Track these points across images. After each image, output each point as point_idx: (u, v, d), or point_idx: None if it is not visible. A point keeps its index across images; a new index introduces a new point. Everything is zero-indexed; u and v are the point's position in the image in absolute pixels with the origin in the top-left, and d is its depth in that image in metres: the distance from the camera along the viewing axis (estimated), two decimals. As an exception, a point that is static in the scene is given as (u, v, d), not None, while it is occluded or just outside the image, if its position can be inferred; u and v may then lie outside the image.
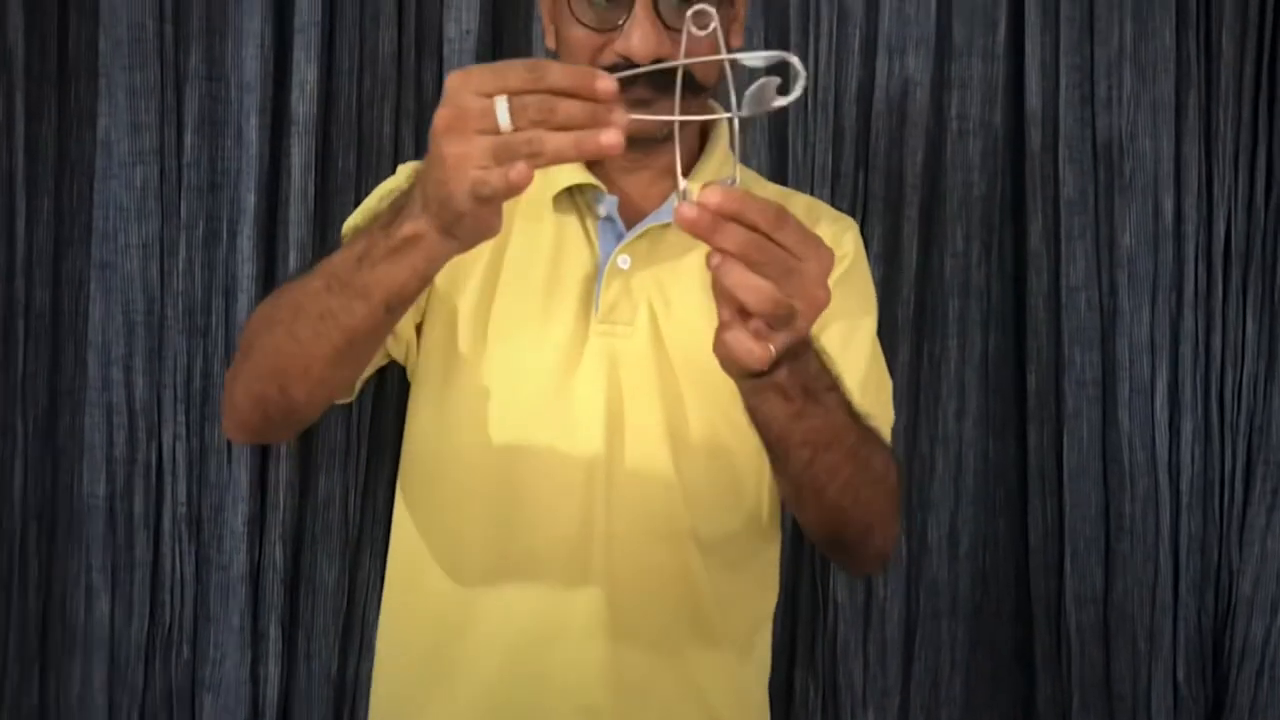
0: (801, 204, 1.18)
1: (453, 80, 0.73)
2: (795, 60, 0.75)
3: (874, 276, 1.20)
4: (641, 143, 1.04)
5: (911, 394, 1.46)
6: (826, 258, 0.77)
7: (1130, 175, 1.43)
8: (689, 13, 0.80)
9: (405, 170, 1.13)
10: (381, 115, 1.37)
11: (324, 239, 1.34)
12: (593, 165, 1.10)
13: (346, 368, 0.95)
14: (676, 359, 1.06)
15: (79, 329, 1.35)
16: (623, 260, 1.06)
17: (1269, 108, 1.42)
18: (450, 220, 0.77)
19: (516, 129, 0.71)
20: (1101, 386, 1.44)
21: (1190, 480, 1.43)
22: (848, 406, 0.92)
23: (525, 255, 1.08)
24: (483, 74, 0.72)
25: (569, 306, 1.06)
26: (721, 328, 0.79)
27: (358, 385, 1.08)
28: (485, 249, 1.07)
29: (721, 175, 1.12)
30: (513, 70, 0.71)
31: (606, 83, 0.70)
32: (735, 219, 0.73)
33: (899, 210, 1.44)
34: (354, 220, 1.11)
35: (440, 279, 1.06)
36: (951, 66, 1.45)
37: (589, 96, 0.71)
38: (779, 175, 1.44)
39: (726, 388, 1.05)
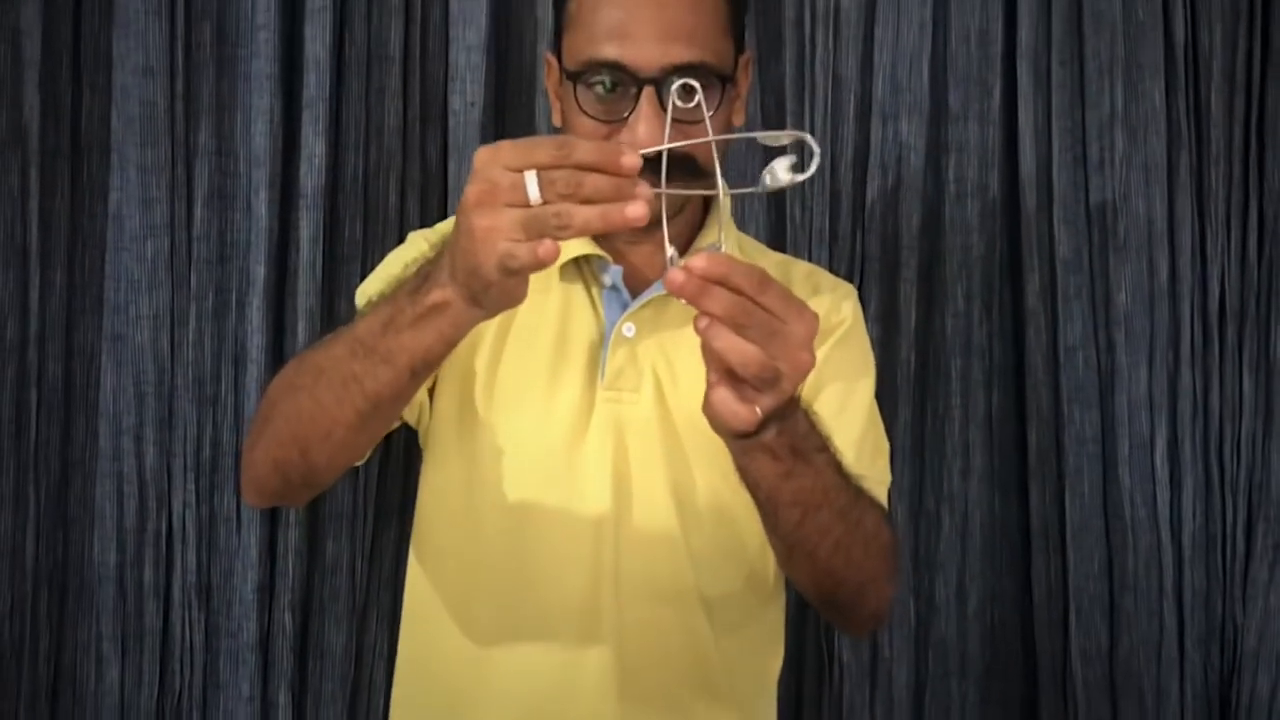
0: (802, 271, 1.20)
1: (482, 155, 0.76)
2: (810, 139, 0.79)
3: (872, 337, 1.21)
4: (644, 230, 1.05)
5: (916, 453, 1.47)
6: (810, 321, 0.78)
7: (1124, 235, 1.45)
8: (673, 87, 0.84)
9: (415, 238, 1.16)
10: (387, 186, 1.40)
11: (332, 309, 1.36)
12: (599, 237, 1.12)
13: (369, 432, 0.97)
14: (681, 426, 1.08)
15: (90, 399, 1.37)
16: (628, 329, 1.08)
17: (1259, 166, 1.45)
18: (478, 289, 0.79)
19: (545, 203, 0.74)
20: (1101, 443, 1.46)
21: (1192, 536, 1.43)
22: (838, 467, 0.94)
23: (533, 323, 1.10)
24: (512, 149, 0.75)
25: (576, 374, 1.08)
26: (710, 389, 0.81)
27: (370, 451, 1.09)
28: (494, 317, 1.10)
29: (725, 241, 1.14)
30: (540, 146, 0.74)
31: (631, 158, 0.73)
32: (721, 283, 0.75)
33: (896, 272, 1.46)
34: (370, 287, 1.12)
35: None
36: (948, 131, 1.48)
37: (614, 172, 0.73)
38: (778, 238, 1.46)
39: (727, 454, 1.07)
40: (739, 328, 0.76)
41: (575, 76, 1.03)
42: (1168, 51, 1.45)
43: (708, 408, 0.82)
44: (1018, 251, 1.48)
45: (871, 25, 1.47)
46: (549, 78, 1.14)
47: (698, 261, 0.75)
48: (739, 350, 0.77)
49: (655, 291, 1.09)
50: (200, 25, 1.37)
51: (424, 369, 0.88)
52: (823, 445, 0.92)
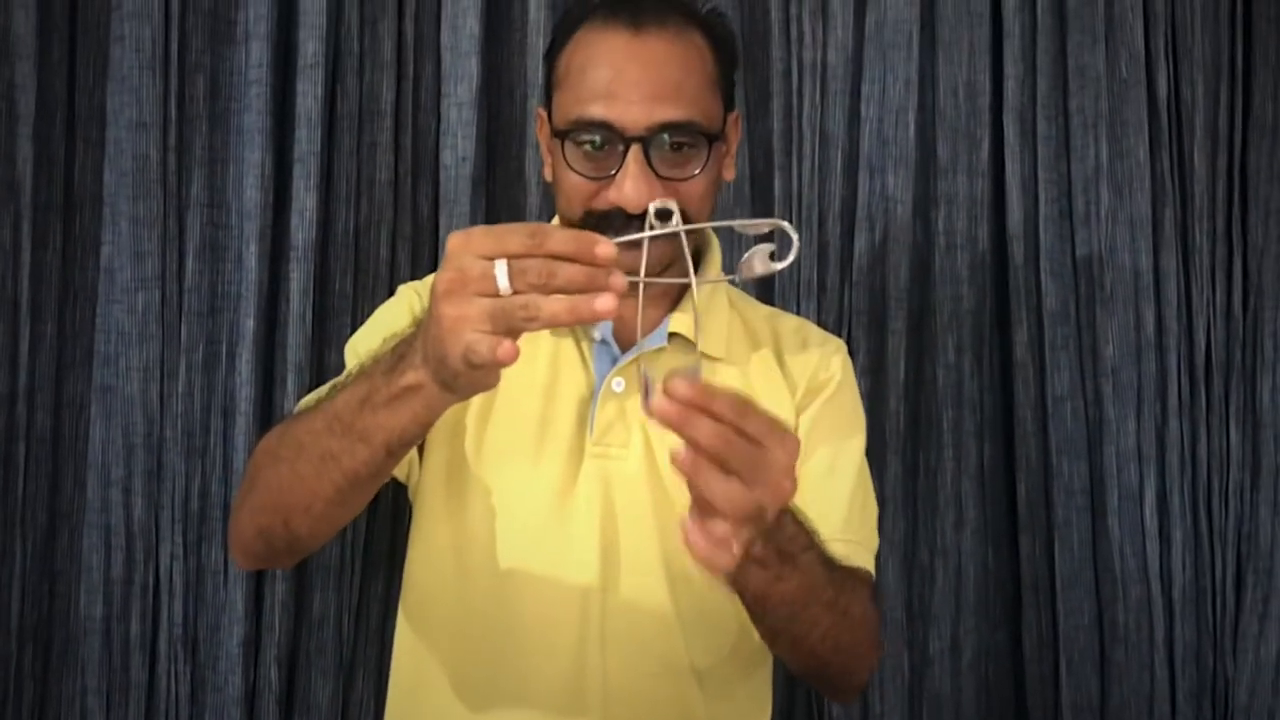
0: (791, 324, 1.21)
1: (454, 242, 0.74)
2: (789, 227, 0.78)
3: (861, 390, 1.22)
4: (634, 283, 1.06)
5: (908, 505, 1.47)
6: (792, 446, 0.76)
7: (1111, 288, 1.46)
8: (651, 208, 0.84)
9: (405, 291, 1.16)
10: (378, 239, 1.41)
11: (322, 361, 1.37)
12: None
13: (348, 505, 0.96)
14: (670, 481, 1.07)
15: (79, 451, 1.37)
16: (617, 383, 1.08)
17: (1242, 221, 1.46)
18: (447, 377, 0.78)
19: (515, 292, 0.72)
20: (1090, 495, 1.46)
21: (1182, 588, 1.43)
22: (826, 560, 0.94)
23: (523, 377, 1.10)
24: (484, 236, 0.73)
25: (565, 428, 1.08)
26: (689, 532, 0.77)
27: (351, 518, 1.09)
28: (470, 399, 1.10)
29: (716, 297, 1.15)
30: (513, 234, 0.73)
31: (606, 248, 0.72)
32: (703, 410, 0.72)
33: (884, 324, 1.47)
34: (359, 342, 1.12)
35: None
36: (936, 184, 1.49)
37: (588, 261, 0.72)
38: (766, 290, 1.47)
39: None
40: (722, 459, 0.73)
41: (564, 135, 1.04)
42: (1151, 107, 1.47)
43: (689, 545, 0.78)
44: (1006, 303, 1.49)
45: (858, 80, 1.49)
46: (540, 131, 1.15)
47: (678, 389, 0.72)
48: (723, 493, 0.74)
49: (645, 346, 1.09)
50: (193, 79, 1.37)
51: (400, 448, 0.87)
52: (809, 543, 0.91)
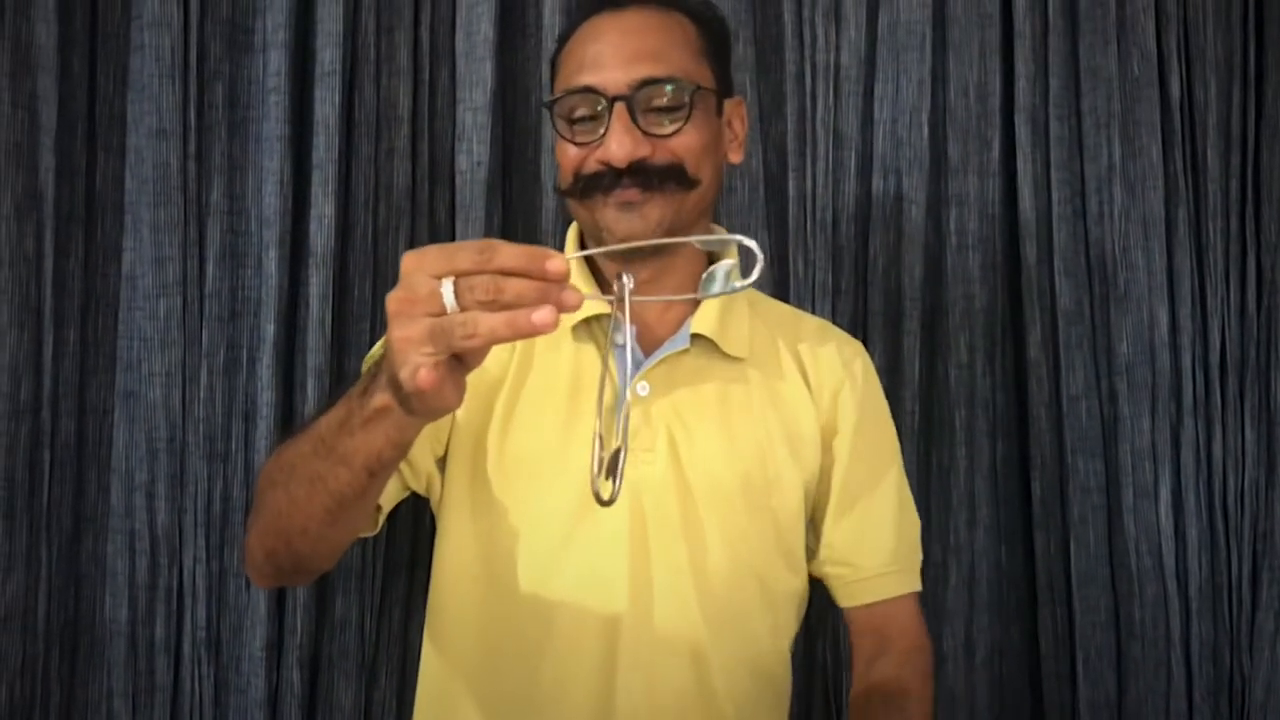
0: (813, 325, 1.22)
1: (406, 262, 0.73)
2: (753, 244, 0.76)
3: (876, 390, 1.23)
4: (638, 251, 1.08)
5: (922, 504, 1.45)
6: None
7: (1125, 287, 1.47)
8: (626, 282, 0.81)
9: None
10: (396, 244, 1.42)
11: (341, 366, 1.38)
12: (607, 291, 1.14)
13: (342, 527, 0.96)
14: (696, 484, 1.09)
15: (103, 457, 1.38)
16: (642, 387, 1.09)
17: (1255, 220, 1.46)
18: (404, 398, 0.77)
19: (465, 309, 0.71)
20: (1106, 493, 1.46)
21: (1199, 586, 1.44)
22: None
23: (545, 385, 1.11)
24: (435, 255, 0.72)
25: (589, 436, 1.08)
26: None
27: (381, 518, 1.10)
28: (505, 380, 1.11)
29: (734, 295, 1.15)
30: (463, 251, 0.71)
31: (557, 263, 0.70)
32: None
33: (899, 325, 1.48)
34: (375, 356, 1.14)
35: (461, 412, 1.09)
36: (949, 184, 1.50)
37: (539, 276, 0.70)
38: (781, 293, 1.48)
39: (745, 511, 1.08)
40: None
41: (552, 105, 1.08)
42: (1164, 107, 1.47)
43: None
44: (1019, 303, 1.50)
45: (871, 81, 1.50)
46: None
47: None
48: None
49: (669, 349, 1.10)
50: (213, 88, 1.39)
51: (379, 469, 0.87)
52: None
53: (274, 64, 1.37)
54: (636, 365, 1.10)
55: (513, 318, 0.69)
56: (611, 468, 0.80)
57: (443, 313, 0.71)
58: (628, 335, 0.86)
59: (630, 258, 1.10)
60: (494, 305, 0.70)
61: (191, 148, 1.37)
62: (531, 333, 0.69)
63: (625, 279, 0.80)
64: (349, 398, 0.85)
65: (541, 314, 0.69)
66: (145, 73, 1.36)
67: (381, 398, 0.80)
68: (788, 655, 1.17)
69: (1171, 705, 1.43)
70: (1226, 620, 1.44)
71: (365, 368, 1.14)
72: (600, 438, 0.82)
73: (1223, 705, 1.44)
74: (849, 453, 1.15)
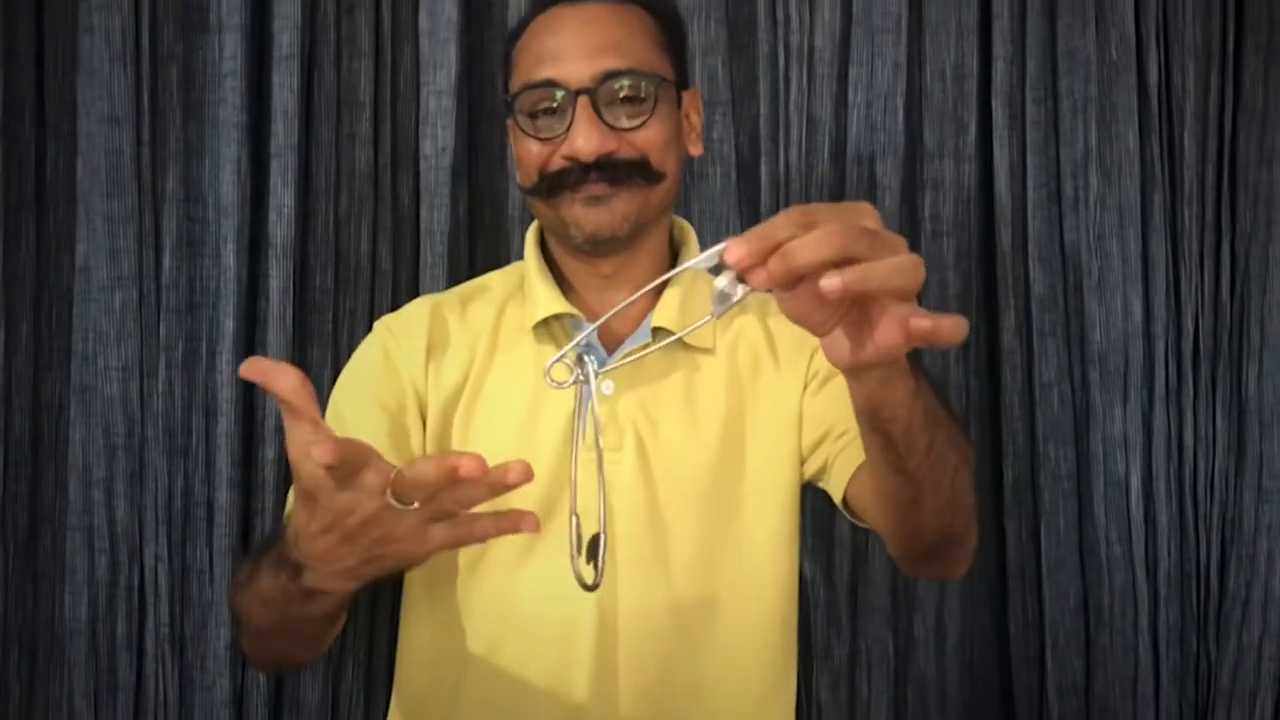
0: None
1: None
2: (734, 240, 0.69)
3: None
4: (603, 243, 1.07)
5: (892, 491, 1.47)
6: (869, 210, 0.68)
7: (1099, 274, 1.45)
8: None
9: (380, 329, 1.14)
10: (359, 232, 1.39)
11: (303, 358, 1.35)
12: (568, 292, 1.12)
13: (325, 640, 0.99)
14: (663, 481, 1.07)
15: (59, 453, 1.35)
16: (606, 386, 1.07)
17: (1230, 207, 1.45)
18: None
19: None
20: (1076, 481, 1.46)
21: (1167, 573, 1.44)
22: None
23: (506, 387, 1.09)
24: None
25: (553, 436, 1.07)
26: (888, 328, 0.67)
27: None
28: (466, 382, 1.09)
29: (696, 287, 1.13)
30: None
31: (520, 473, 0.71)
32: (776, 244, 0.64)
33: (872, 312, 1.46)
34: (339, 403, 1.11)
35: (432, 419, 1.09)
36: (923, 169, 1.48)
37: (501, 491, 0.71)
38: (754, 279, 1.45)
39: (712, 507, 1.07)
40: (853, 257, 0.64)
41: (514, 100, 1.06)
42: (1141, 92, 1.45)
43: (892, 346, 0.68)
44: (993, 289, 1.48)
45: (846, 65, 1.47)
46: (513, 146, 1.14)
47: (739, 249, 0.64)
48: (897, 268, 0.65)
49: (630, 345, 1.08)
50: (166, 70, 1.34)
51: (343, 606, 0.89)
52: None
53: (230, 47, 1.32)
54: (600, 364, 1.07)
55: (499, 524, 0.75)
56: (592, 552, 0.80)
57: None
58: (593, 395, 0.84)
59: (595, 252, 1.09)
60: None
61: (145, 134, 1.33)
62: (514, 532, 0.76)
63: (589, 361, 0.80)
64: (278, 570, 0.83)
65: (528, 520, 0.75)
66: (95, 56, 1.31)
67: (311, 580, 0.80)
68: (781, 641, 1.13)
69: (1139, 690, 1.44)
70: (1194, 607, 1.45)
71: (330, 417, 1.10)
72: (576, 517, 0.82)
73: (1189, 690, 1.45)
74: (840, 386, 1.11)
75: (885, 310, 0.67)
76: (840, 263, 0.64)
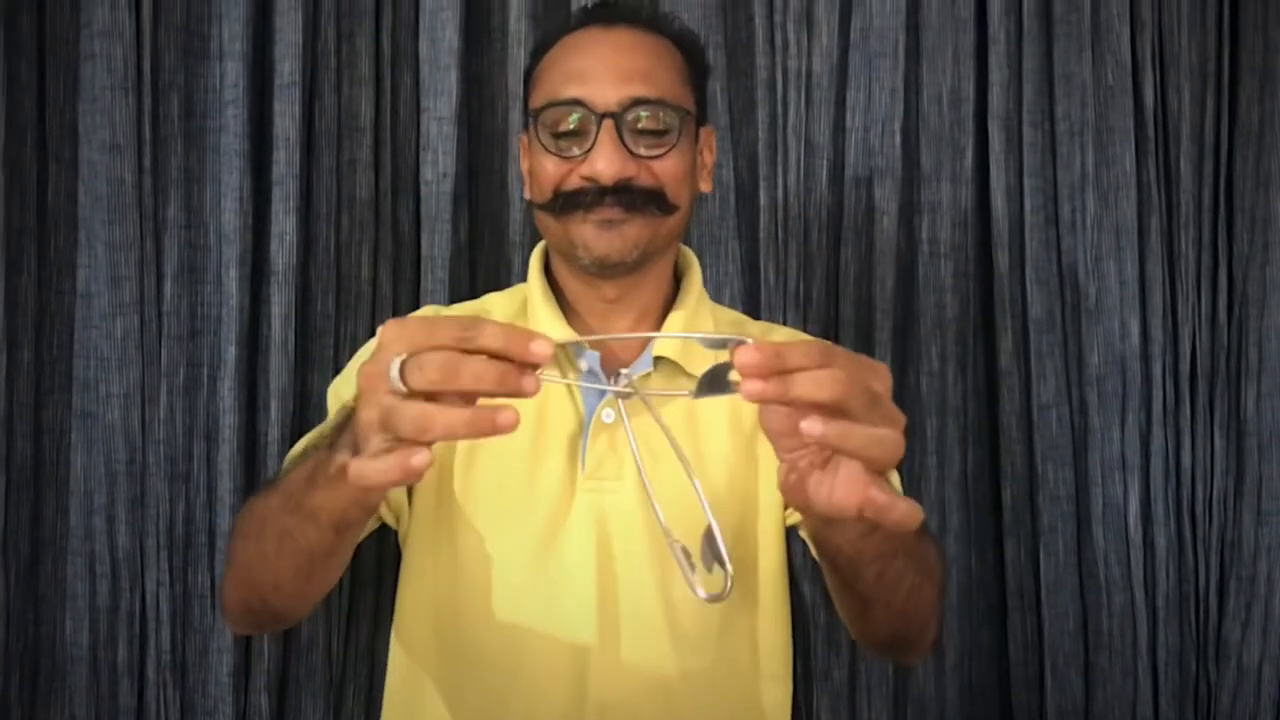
0: (783, 334, 1.21)
1: (385, 332, 0.70)
2: (751, 344, 0.70)
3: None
4: (611, 267, 1.07)
5: (891, 512, 1.47)
6: (885, 373, 0.71)
7: (1096, 296, 1.46)
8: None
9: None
10: (360, 258, 1.39)
11: (305, 385, 1.36)
12: (571, 318, 1.12)
13: (316, 582, 0.95)
14: (664, 510, 1.07)
15: (60, 479, 1.35)
16: (606, 415, 1.07)
17: (1227, 229, 1.46)
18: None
19: (412, 390, 0.67)
20: (1075, 502, 1.47)
21: (1166, 595, 1.44)
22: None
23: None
24: (415, 329, 0.68)
25: (555, 464, 1.07)
26: (865, 499, 0.69)
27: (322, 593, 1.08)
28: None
29: (699, 316, 1.14)
30: (445, 327, 0.67)
31: (541, 346, 0.66)
32: (785, 370, 0.67)
33: (870, 334, 1.47)
34: (339, 387, 1.12)
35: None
36: (921, 192, 1.48)
37: (519, 357, 0.66)
38: (752, 301, 1.46)
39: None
40: (846, 411, 0.66)
41: (537, 114, 1.06)
42: (1137, 116, 1.46)
43: (843, 507, 0.70)
44: (990, 311, 1.49)
45: (843, 89, 1.48)
46: (523, 159, 1.14)
47: (748, 355, 0.66)
48: (875, 440, 0.67)
49: (632, 374, 1.08)
50: (168, 98, 1.35)
51: (346, 528, 0.84)
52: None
53: (231, 75, 1.33)
54: (601, 392, 1.08)
55: (475, 419, 0.66)
56: (713, 553, 0.74)
57: (402, 391, 0.68)
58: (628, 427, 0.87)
59: (601, 275, 1.09)
60: (446, 386, 0.66)
61: (147, 161, 1.33)
62: (491, 434, 0.66)
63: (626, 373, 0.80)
64: (316, 453, 0.82)
65: (505, 417, 0.66)
66: (97, 84, 1.32)
67: (344, 457, 0.76)
68: (779, 674, 1.13)
69: (1138, 712, 1.44)
70: (1193, 629, 1.46)
71: (330, 400, 1.12)
72: (683, 548, 0.77)
73: (1188, 713, 1.45)
74: None
75: (853, 471, 0.69)
76: (834, 410, 0.65)
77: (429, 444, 0.68)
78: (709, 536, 0.75)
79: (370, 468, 0.68)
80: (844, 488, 0.70)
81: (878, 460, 0.68)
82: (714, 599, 0.75)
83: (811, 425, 0.65)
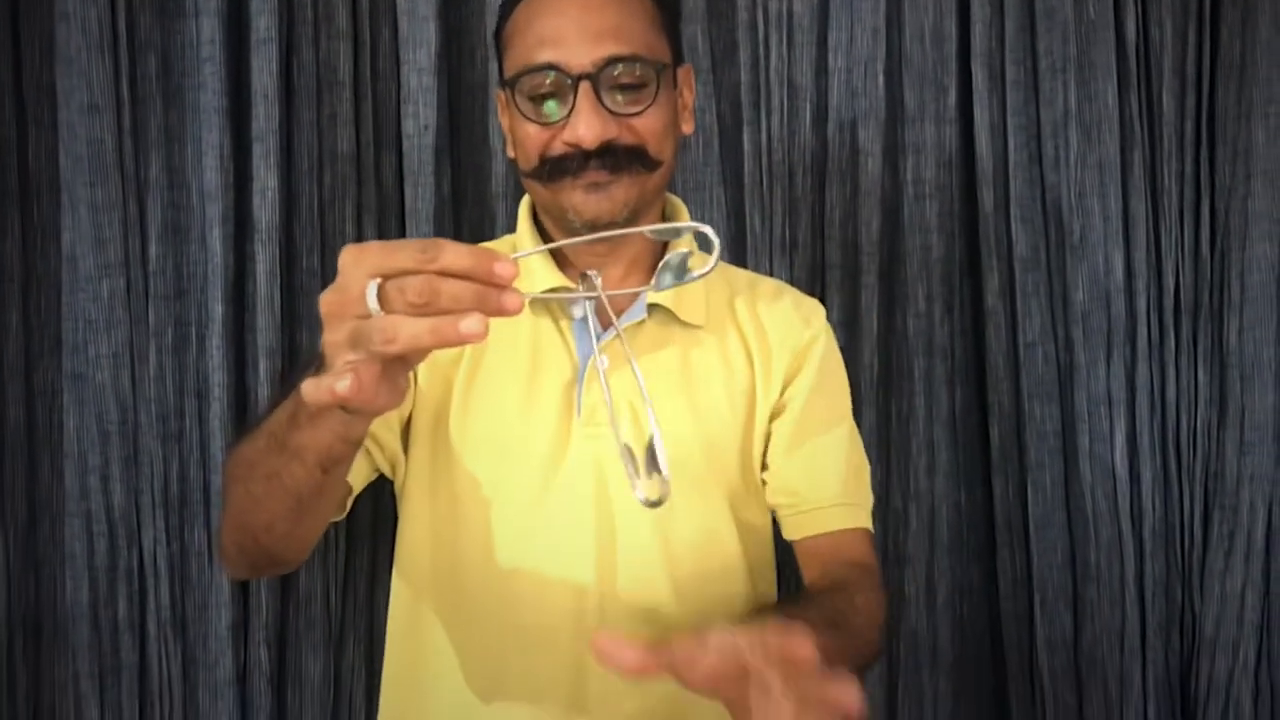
0: (770, 286, 1.21)
1: (344, 257, 0.68)
2: (710, 230, 0.74)
3: (837, 343, 1.23)
4: (603, 228, 1.06)
5: (882, 452, 1.49)
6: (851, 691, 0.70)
7: (1080, 233, 1.46)
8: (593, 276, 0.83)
9: None
10: (344, 214, 1.39)
11: (293, 342, 1.36)
12: (564, 266, 1.13)
13: (306, 522, 0.95)
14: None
15: (54, 441, 1.36)
16: (601, 361, 1.08)
17: (1210, 163, 1.46)
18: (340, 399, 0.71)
19: (395, 312, 0.66)
20: (1062, 438, 1.48)
21: (1152, 527, 1.46)
22: (829, 617, 0.95)
23: (503, 362, 1.10)
24: (375, 253, 0.67)
25: (551, 411, 1.08)
26: None
27: (350, 500, 1.10)
28: (464, 357, 1.10)
29: (689, 267, 1.14)
30: (404, 250, 0.66)
31: (505, 267, 0.65)
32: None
33: (856, 277, 1.47)
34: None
35: (421, 388, 1.10)
36: (905, 132, 1.48)
37: (485, 280, 0.65)
38: (738, 247, 1.46)
39: (711, 482, 1.08)
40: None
41: (513, 82, 1.05)
42: (1119, 50, 1.45)
43: None
44: (976, 251, 1.49)
45: (825, 30, 1.47)
46: (502, 115, 1.14)
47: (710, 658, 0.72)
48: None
49: (626, 321, 1.09)
50: (145, 57, 1.34)
51: (331, 465, 0.83)
52: (831, 619, 0.94)
53: (207, 32, 1.32)
54: (595, 338, 1.08)
55: (437, 325, 0.64)
56: (651, 460, 0.78)
57: (369, 315, 0.67)
58: (592, 326, 0.89)
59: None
60: (427, 309, 0.65)
61: (126, 121, 1.33)
62: (458, 342, 0.64)
63: (592, 274, 0.82)
64: (296, 390, 0.81)
65: (469, 322, 0.64)
66: (73, 45, 1.31)
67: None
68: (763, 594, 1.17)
69: (1126, 643, 1.46)
70: (1178, 559, 1.48)
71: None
72: (629, 449, 0.79)
73: (1174, 641, 1.48)
74: (804, 402, 1.14)
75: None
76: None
77: (394, 357, 0.67)
78: (651, 447, 0.79)
79: (326, 380, 0.68)
80: None
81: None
82: (650, 504, 0.78)
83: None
